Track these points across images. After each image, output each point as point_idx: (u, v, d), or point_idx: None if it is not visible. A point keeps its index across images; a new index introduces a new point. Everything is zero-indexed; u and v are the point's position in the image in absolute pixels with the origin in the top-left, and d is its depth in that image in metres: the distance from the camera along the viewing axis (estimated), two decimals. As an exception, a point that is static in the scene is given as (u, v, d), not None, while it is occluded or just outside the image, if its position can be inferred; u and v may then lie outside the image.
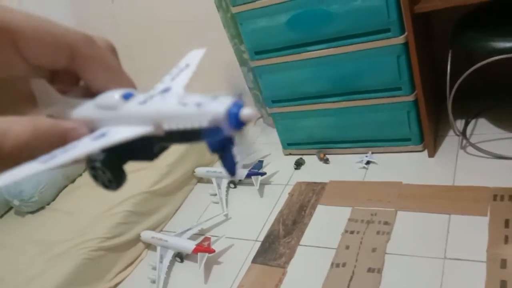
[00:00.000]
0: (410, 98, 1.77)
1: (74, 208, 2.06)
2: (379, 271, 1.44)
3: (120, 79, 0.26)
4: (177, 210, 2.15)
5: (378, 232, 1.59)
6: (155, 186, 2.03)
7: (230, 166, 0.23)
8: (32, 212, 2.16)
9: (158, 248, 1.80)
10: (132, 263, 1.89)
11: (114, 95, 0.24)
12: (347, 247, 1.58)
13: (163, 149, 0.25)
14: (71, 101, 0.26)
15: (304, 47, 1.84)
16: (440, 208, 1.59)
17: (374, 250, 1.53)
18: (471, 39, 1.56)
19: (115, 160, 0.23)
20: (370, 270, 1.46)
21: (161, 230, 2.03)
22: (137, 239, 1.92)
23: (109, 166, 0.23)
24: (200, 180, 2.30)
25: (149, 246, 1.95)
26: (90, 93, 0.26)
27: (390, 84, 1.78)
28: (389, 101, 1.82)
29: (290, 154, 2.23)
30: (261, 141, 2.44)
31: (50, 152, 0.21)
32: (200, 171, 2.22)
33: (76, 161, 0.22)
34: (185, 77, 0.27)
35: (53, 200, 2.20)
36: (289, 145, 2.22)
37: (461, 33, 1.61)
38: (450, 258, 1.40)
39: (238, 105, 0.21)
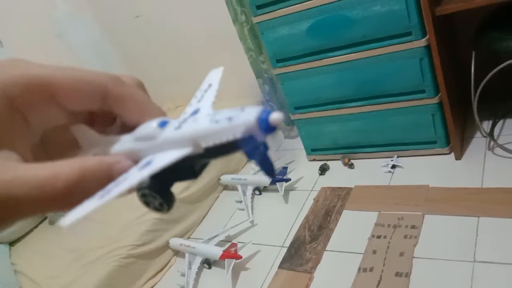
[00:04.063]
0: (435, 100, 1.75)
1: (105, 217, 2.12)
2: (407, 275, 1.43)
3: (151, 111, 0.28)
4: (204, 217, 2.19)
5: (405, 236, 1.58)
6: (183, 194, 2.07)
7: (268, 169, 0.24)
8: (66, 221, 2.23)
9: (187, 255, 1.83)
10: (161, 269, 1.93)
11: (151, 125, 0.26)
12: (374, 252, 1.57)
13: (204, 166, 0.27)
14: (111, 139, 0.28)
15: (325, 53, 1.85)
16: (469, 210, 1.57)
17: (401, 254, 1.52)
18: (495, 39, 1.54)
19: (163, 184, 0.25)
20: (398, 274, 1.45)
21: (189, 237, 2.07)
22: (166, 246, 1.96)
23: (158, 191, 0.25)
24: (226, 187, 2.33)
25: (178, 253, 1.99)
26: (127, 129, 0.28)
27: (413, 87, 1.77)
28: (413, 104, 1.81)
29: (314, 159, 2.24)
30: (284, 148, 2.46)
31: (100, 187, 0.23)
32: (226, 178, 2.26)
33: (129, 191, 0.24)
34: (210, 97, 0.29)
35: (85, 209, 2.27)
36: (313, 150, 2.23)
37: (485, 34, 1.59)
38: (479, 261, 1.38)
39: (267, 112, 0.23)
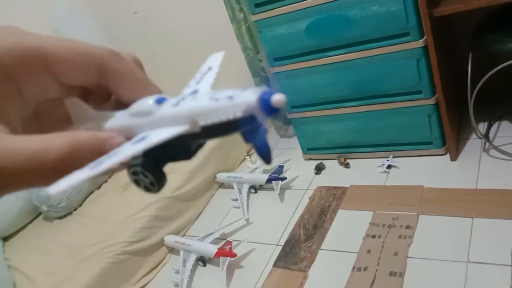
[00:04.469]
0: (431, 101, 1.76)
1: (100, 213, 2.11)
2: (401, 275, 1.44)
3: (149, 88, 0.27)
4: (199, 215, 2.18)
5: (400, 236, 1.59)
6: (178, 191, 2.07)
7: (264, 153, 0.23)
8: (60, 218, 2.23)
9: (181, 252, 1.83)
10: (156, 266, 1.93)
11: (147, 101, 0.25)
12: (369, 251, 1.57)
13: (199, 146, 0.26)
14: (105, 114, 0.27)
15: (323, 52, 1.85)
16: (463, 211, 1.58)
17: (396, 254, 1.52)
18: (492, 41, 1.55)
19: (156, 163, 0.24)
20: (392, 274, 1.46)
21: (184, 235, 2.07)
22: (161, 243, 1.96)
23: (150, 169, 0.24)
24: (222, 185, 2.33)
25: (173, 250, 1.98)
26: (122, 107, 0.27)
27: (410, 87, 1.78)
28: (410, 105, 1.82)
29: (310, 159, 2.24)
30: (281, 146, 2.46)
31: (91, 162, 0.22)
32: (222, 176, 2.26)
33: (122, 165, 0.23)
34: (210, 79, 0.28)
35: (80, 205, 2.26)
36: (309, 150, 2.23)
37: (482, 35, 1.60)
38: (473, 262, 1.38)
39: (269, 93, 0.22)
